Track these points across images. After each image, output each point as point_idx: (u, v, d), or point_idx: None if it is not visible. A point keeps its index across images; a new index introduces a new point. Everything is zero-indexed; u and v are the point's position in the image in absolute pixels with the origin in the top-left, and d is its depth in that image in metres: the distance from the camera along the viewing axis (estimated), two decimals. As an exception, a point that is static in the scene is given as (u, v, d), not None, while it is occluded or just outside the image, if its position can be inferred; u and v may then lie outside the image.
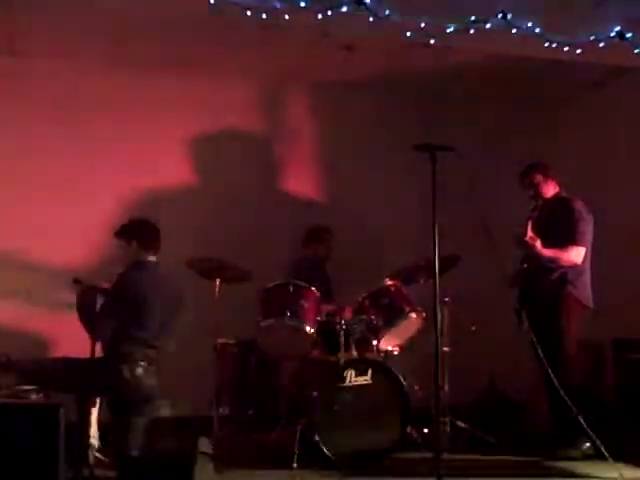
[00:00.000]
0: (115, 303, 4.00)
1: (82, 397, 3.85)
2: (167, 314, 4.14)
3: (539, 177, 4.69)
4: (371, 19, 4.37)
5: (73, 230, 4.69)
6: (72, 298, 4.33)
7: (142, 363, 3.92)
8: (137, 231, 4.18)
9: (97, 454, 3.96)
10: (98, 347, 4.09)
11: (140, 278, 4.05)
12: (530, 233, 4.46)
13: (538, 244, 4.43)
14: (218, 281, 4.76)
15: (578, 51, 4.79)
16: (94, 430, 4.00)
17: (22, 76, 5.27)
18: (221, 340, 4.81)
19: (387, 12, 4.38)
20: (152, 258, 4.18)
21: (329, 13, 4.32)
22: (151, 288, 4.05)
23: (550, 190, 4.70)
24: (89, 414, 3.93)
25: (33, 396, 3.68)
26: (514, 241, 4.48)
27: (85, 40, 5.02)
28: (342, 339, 4.57)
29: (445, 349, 4.70)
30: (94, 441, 3.96)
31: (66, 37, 4.95)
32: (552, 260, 4.49)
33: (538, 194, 4.69)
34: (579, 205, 4.58)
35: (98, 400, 4.08)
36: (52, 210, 5.24)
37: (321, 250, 5.45)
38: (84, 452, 3.78)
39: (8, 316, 5.01)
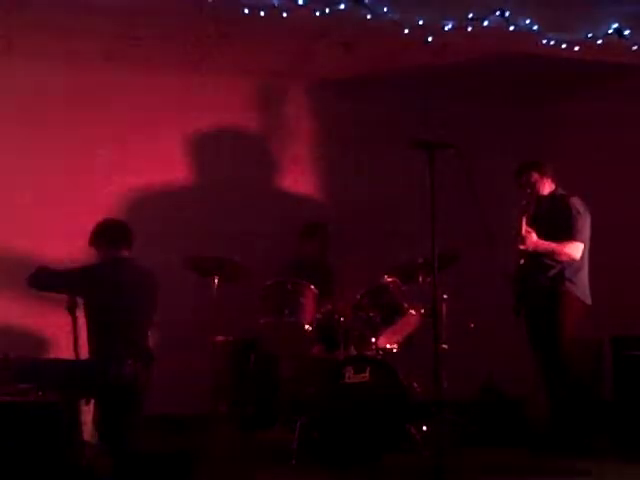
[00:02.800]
0: (81, 289, 4.03)
1: (71, 397, 3.84)
2: (147, 308, 4.16)
3: (535, 175, 4.68)
4: (369, 17, 4.37)
5: (73, 229, 4.68)
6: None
7: (129, 361, 3.92)
8: (104, 233, 4.24)
9: (96, 452, 3.95)
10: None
11: (117, 275, 4.06)
12: (525, 227, 4.46)
13: (534, 237, 4.43)
14: (216, 279, 4.76)
15: (576, 48, 4.80)
16: (92, 428, 3.99)
17: (20, 75, 5.26)
18: (220, 338, 4.81)
19: (385, 10, 4.38)
20: (125, 254, 4.19)
21: (327, 11, 4.32)
22: (129, 284, 4.07)
23: (546, 188, 4.70)
24: (79, 413, 3.92)
25: (32, 395, 3.67)
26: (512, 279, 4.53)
27: (83, 39, 5.01)
28: (341, 336, 4.58)
29: (444, 346, 4.70)
30: (92, 439, 3.95)
31: (64, 36, 4.94)
32: (550, 255, 4.49)
33: (535, 192, 4.68)
34: (576, 201, 4.58)
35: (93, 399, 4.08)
36: (52, 209, 5.23)
37: (314, 245, 5.44)
38: (81, 450, 3.78)
39: (7, 315, 5.01)
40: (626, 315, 5.10)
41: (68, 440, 3.42)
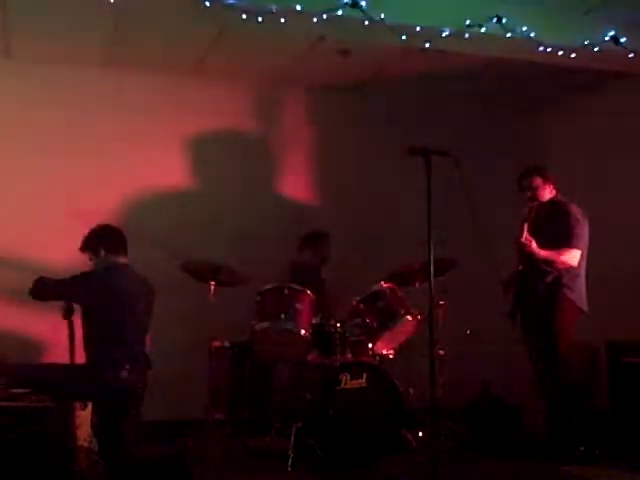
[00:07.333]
0: (83, 296, 4.01)
1: (67, 402, 3.83)
2: (145, 314, 4.15)
3: (538, 180, 4.68)
4: (367, 23, 4.38)
5: (72, 231, 4.66)
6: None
7: (126, 366, 3.91)
8: (101, 239, 4.16)
9: (93, 457, 3.94)
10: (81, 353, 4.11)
11: (117, 281, 4.04)
12: (526, 234, 4.46)
13: (534, 245, 4.44)
14: (213, 284, 4.76)
15: (572, 55, 4.81)
16: (88, 433, 3.98)
17: (19, 78, 5.26)
18: (216, 343, 4.80)
19: (382, 16, 4.39)
20: (124, 260, 4.16)
21: (325, 17, 4.32)
22: (129, 290, 4.05)
23: (547, 194, 4.70)
24: (74, 418, 3.91)
25: (26, 399, 3.66)
26: (505, 285, 4.52)
27: (84, 42, 5.02)
28: (337, 342, 4.58)
29: (440, 352, 4.70)
30: (87, 444, 3.94)
31: (64, 38, 4.95)
32: (548, 262, 4.50)
33: (535, 197, 4.69)
34: (575, 209, 4.59)
35: (89, 404, 4.06)
36: (51, 210, 5.23)
37: (317, 255, 5.44)
38: (75, 455, 3.77)
39: (3, 320, 4.99)
40: (622, 321, 5.11)
41: (62, 445, 3.40)
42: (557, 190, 4.72)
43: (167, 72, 5.49)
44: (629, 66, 5.00)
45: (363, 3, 4.32)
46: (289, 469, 4.15)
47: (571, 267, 4.49)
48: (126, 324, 4.01)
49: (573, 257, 4.48)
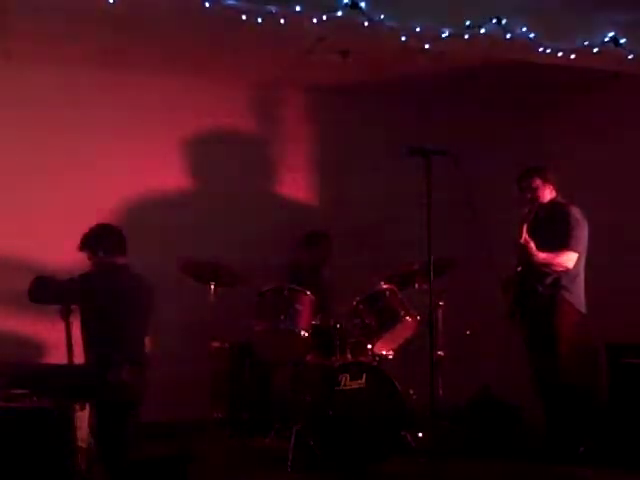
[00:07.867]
0: (82, 298, 3.98)
1: (67, 402, 3.82)
2: (144, 314, 4.14)
3: (538, 181, 4.67)
4: (366, 24, 4.37)
5: (71, 232, 4.69)
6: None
7: (126, 367, 3.91)
8: (100, 239, 4.15)
9: (91, 458, 3.93)
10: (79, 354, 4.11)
11: (116, 282, 4.03)
12: (525, 235, 4.46)
13: (532, 246, 4.44)
14: (213, 285, 4.76)
15: (572, 56, 4.81)
16: (86, 434, 3.98)
17: (19, 80, 5.26)
18: (216, 344, 4.81)
19: (382, 17, 4.39)
20: (122, 261, 4.15)
21: (324, 18, 4.32)
22: (128, 291, 4.04)
23: (547, 195, 4.69)
24: (74, 418, 3.90)
25: (26, 400, 3.66)
26: (504, 286, 4.53)
27: (83, 43, 5.01)
28: (337, 343, 4.58)
29: (440, 353, 4.70)
30: (86, 445, 3.93)
31: (63, 40, 4.95)
32: (546, 264, 4.50)
33: (535, 198, 4.68)
34: (575, 211, 4.58)
35: (88, 404, 4.06)
36: (50, 211, 5.23)
37: (317, 255, 5.44)
38: (75, 456, 3.76)
39: (4, 318, 4.99)
40: (622, 322, 5.11)
41: (62, 446, 3.40)
42: (557, 191, 4.72)
43: (167, 73, 5.48)
44: (628, 67, 5.00)
45: (363, 4, 4.32)
46: (289, 470, 4.16)
47: (567, 270, 4.49)
48: (125, 325, 4.01)
49: (569, 260, 4.47)
